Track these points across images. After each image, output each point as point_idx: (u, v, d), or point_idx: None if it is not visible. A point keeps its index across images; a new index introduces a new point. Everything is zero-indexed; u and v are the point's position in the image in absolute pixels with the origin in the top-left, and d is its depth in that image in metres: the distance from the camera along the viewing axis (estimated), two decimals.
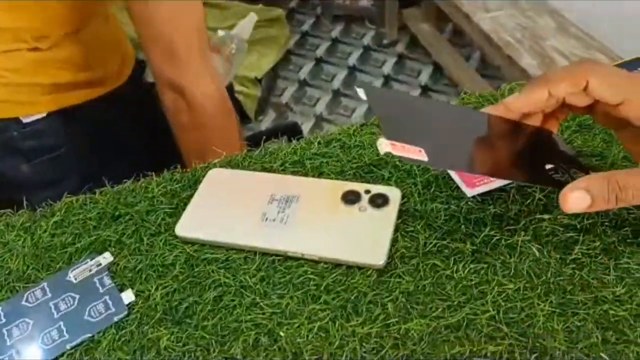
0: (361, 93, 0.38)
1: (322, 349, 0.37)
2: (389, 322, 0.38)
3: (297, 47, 2.34)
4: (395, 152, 0.34)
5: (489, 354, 0.36)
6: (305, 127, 1.99)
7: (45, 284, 0.42)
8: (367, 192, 0.45)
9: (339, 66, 2.29)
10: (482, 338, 0.36)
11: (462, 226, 0.43)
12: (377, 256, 0.41)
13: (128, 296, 0.40)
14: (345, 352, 0.36)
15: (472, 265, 0.40)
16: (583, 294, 0.38)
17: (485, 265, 0.40)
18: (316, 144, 0.51)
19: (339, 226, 0.43)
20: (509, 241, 0.41)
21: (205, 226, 0.44)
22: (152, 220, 0.46)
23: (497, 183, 0.45)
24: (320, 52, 2.33)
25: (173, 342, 0.38)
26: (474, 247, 0.41)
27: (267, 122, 2.02)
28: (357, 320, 0.38)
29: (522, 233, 0.42)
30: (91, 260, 0.43)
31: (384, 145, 0.34)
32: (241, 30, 0.99)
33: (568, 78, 0.37)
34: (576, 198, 0.35)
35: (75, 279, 0.42)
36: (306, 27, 2.44)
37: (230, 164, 0.50)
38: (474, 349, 0.36)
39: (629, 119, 0.37)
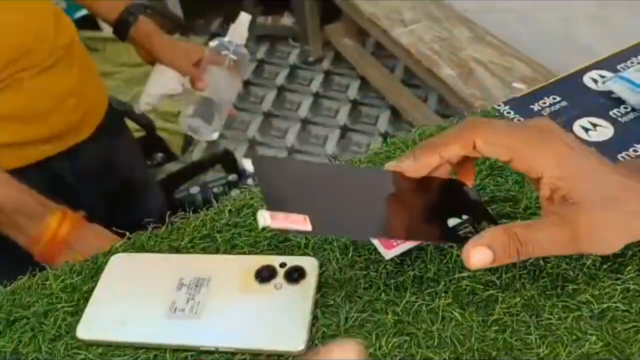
0: (248, 165, 0.36)
1: None
2: None
3: None
4: (274, 225, 0.32)
5: None
6: (239, 153, 1.96)
7: None
8: (283, 265, 0.43)
9: (268, 87, 2.27)
10: None
11: (383, 294, 0.41)
12: (296, 342, 0.38)
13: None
14: None
15: (394, 339, 0.38)
16: (508, 358, 0.37)
17: (408, 338, 0.38)
18: (227, 212, 0.48)
19: (255, 310, 0.40)
20: (430, 306, 0.40)
21: (109, 325, 0.41)
22: (50, 323, 0.42)
23: (415, 242, 0.44)
24: (246, 74, 2.30)
25: None
26: (396, 318, 0.40)
27: (197, 153, 1.97)
28: None
29: (443, 295, 0.40)
30: None
31: (263, 219, 0.32)
32: (235, 34, 0.86)
33: (456, 141, 0.38)
34: (478, 254, 0.35)
35: None
36: None
37: (134, 246, 0.47)
38: None
39: (523, 172, 0.37)
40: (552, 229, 0.35)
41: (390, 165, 0.40)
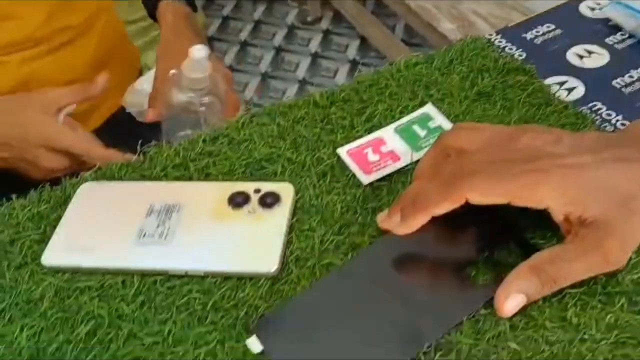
0: (255, 345, 0.33)
1: None
2: None
3: (219, 33, 2.26)
4: None
5: None
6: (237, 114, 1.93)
7: None
8: (257, 191, 0.41)
9: (265, 48, 2.23)
10: None
11: (359, 217, 0.39)
12: (268, 263, 0.37)
13: None
14: None
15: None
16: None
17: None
18: (200, 142, 0.46)
19: (226, 234, 0.39)
20: None
21: (75, 251, 0.39)
22: (16, 251, 0.40)
23: (395, 166, 0.42)
24: (244, 35, 2.25)
25: None
26: (371, 239, 0.38)
27: None
28: (248, 337, 0.34)
29: None
30: None
31: None
32: (192, 80, 0.59)
33: (448, 200, 0.34)
34: (512, 302, 0.32)
35: None
36: (227, 11, 2.36)
37: (105, 175, 0.45)
38: None
39: None
40: (581, 259, 0.32)
41: (383, 222, 0.38)
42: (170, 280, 0.38)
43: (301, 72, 2.13)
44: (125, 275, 0.38)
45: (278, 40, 2.26)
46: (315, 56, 2.18)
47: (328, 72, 2.12)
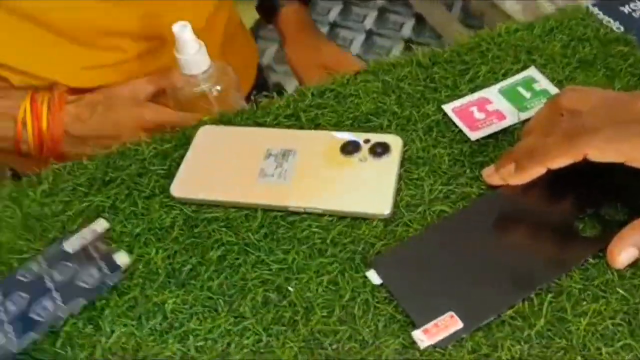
0: (374, 277, 0.36)
1: (333, 302, 0.36)
2: None
3: None
4: (431, 341, 0.33)
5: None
6: (290, 88, 1.96)
7: (39, 256, 0.40)
8: (367, 141, 0.43)
9: (320, 23, 2.24)
10: None
11: (467, 170, 0.42)
12: (382, 205, 0.39)
13: (122, 259, 0.39)
14: (358, 304, 0.36)
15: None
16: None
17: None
18: (309, 95, 0.49)
19: (340, 178, 0.42)
20: None
21: (201, 185, 0.43)
22: (145, 183, 0.44)
23: (500, 125, 0.44)
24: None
25: (179, 304, 0.37)
26: (481, 190, 0.40)
27: None
28: (367, 271, 0.37)
29: None
30: (86, 228, 0.41)
31: (419, 341, 0.33)
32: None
33: (567, 155, 0.36)
34: (625, 255, 0.35)
35: (70, 249, 0.40)
36: None
37: (222, 120, 0.48)
38: None
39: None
40: None
41: (490, 176, 0.40)
42: (290, 216, 0.41)
43: (355, 49, 2.13)
44: (247, 210, 0.41)
45: (333, 16, 2.27)
46: (369, 33, 2.18)
47: (382, 50, 2.12)
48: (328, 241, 0.39)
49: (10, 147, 0.56)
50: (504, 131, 0.44)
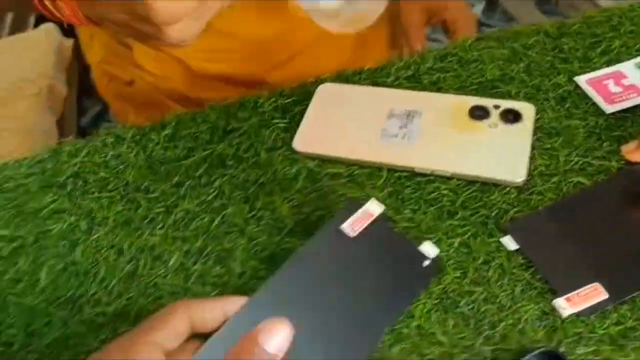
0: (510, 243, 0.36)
1: (466, 263, 0.35)
2: None
3: None
4: (574, 309, 0.32)
5: None
6: None
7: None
8: (497, 107, 0.42)
9: None
10: None
11: (605, 143, 0.40)
12: (515, 172, 0.38)
13: (430, 250, 0.35)
14: (492, 268, 0.35)
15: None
16: None
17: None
18: (431, 58, 0.48)
19: (469, 142, 0.41)
20: None
21: (323, 141, 0.43)
22: (266, 135, 0.44)
23: (638, 100, 0.42)
24: None
25: None
26: (620, 165, 0.39)
27: None
28: (501, 236, 0.36)
29: None
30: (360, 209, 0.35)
31: (561, 309, 0.32)
32: None
33: None
34: None
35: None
36: None
37: (340, 78, 0.48)
38: None
39: None
40: None
41: (631, 152, 0.38)
42: (416, 177, 0.40)
43: None
44: (370, 168, 0.41)
45: None
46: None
47: None
48: (458, 204, 0.38)
49: None
50: None
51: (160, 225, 0.40)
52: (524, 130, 0.41)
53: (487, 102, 0.43)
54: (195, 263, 0.38)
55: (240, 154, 0.44)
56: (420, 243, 0.35)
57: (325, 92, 0.46)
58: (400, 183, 0.40)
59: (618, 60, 0.45)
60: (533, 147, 0.40)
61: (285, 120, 0.45)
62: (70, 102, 1.13)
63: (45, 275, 0.38)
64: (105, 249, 0.39)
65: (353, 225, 0.35)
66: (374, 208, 0.36)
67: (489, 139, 0.41)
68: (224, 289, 0.36)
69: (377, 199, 0.37)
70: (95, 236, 0.40)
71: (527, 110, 0.42)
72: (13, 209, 0.42)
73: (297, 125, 0.44)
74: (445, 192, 0.39)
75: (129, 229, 0.40)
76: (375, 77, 0.47)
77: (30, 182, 0.44)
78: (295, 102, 0.46)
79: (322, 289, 0.33)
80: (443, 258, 0.36)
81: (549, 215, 0.36)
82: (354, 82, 0.47)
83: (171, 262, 0.38)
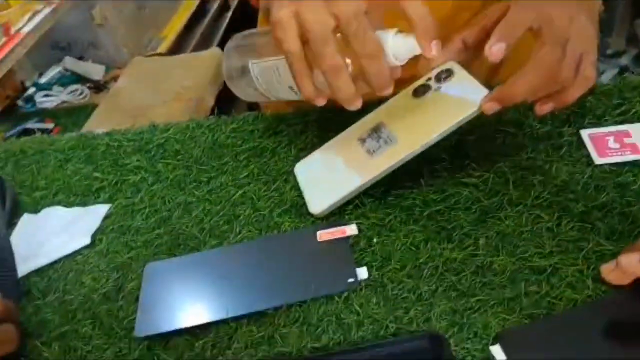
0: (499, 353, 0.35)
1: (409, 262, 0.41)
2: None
3: None
4: None
5: (564, 299, 0.36)
6: None
7: None
8: (429, 78, 0.47)
9: None
10: (563, 285, 0.37)
11: (579, 187, 0.43)
12: (480, 96, 0.42)
13: (362, 275, 0.41)
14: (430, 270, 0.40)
15: (577, 224, 0.40)
16: None
17: (590, 226, 0.40)
18: None
19: (434, 107, 0.45)
20: (623, 210, 0.41)
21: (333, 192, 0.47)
22: (301, 136, 0.54)
23: (633, 157, 0.44)
24: None
25: None
26: (585, 209, 0.41)
27: None
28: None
29: (634, 203, 0.40)
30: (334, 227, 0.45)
31: None
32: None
33: None
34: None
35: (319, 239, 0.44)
36: None
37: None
38: (552, 293, 0.37)
39: None
40: None
41: (610, 272, 0.37)
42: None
43: None
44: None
45: None
46: (623, 70, 2.06)
47: None
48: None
49: None
50: (633, 163, 0.44)
51: (199, 189, 0.52)
52: (462, 75, 0.44)
53: (420, 81, 0.47)
54: (210, 220, 0.48)
55: (278, 149, 0.54)
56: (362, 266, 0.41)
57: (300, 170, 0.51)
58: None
59: (632, 122, 0.47)
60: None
61: (315, 132, 0.54)
62: (213, 111, 1.35)
63: (113, 209, 0.52)
64: (157, 198, 0.52)
65: (324, 234, 0.44)
66: (350, 229, 0.44)
67: (442, 96, 0.45)
68: (222, 241, 0.46)
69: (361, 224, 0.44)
70: (153, 188, 0.53)
71: (451, 65, 0.45)
72: (112, 161, 0.57)
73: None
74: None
75: (177, 188, 0.52)
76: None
77: (129, 146, 0.59)
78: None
79: (268, 263, 0.44)
80: (363, 284, 0.40)
81: (539, 331, 0.36)
82: None
83: (193, 214, 0.49)
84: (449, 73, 0.45)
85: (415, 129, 0.45)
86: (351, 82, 0.40)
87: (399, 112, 0.47)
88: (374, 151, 0.47)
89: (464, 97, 0.43)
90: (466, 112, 0.42)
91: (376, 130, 0.48)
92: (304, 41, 0.40)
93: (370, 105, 0.47)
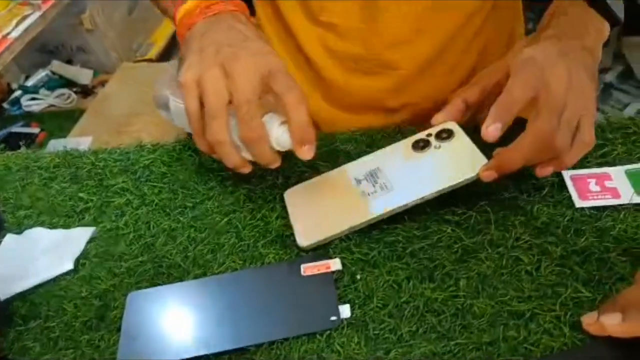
0: None
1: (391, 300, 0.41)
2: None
3: None
4: None
5: (541, 346, 0.37)
6: None
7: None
8: (429, 135, 0.49)
9: None
10: (541, 331, 0.38)
11: (559, 230, 0.44)
12: (477, 166, 0.45)
13: (345, 313, 0.41)
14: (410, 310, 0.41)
15: (557, 268, 0.41)
16: None
17: (569, 271, 0.41)
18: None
19: (431, 164, 0.47)
20: (602, 256, 0.41)
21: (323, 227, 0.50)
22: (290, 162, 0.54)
23: (612, 201, 0.45)
24: None
25: None
26: (564, 253, 0.42)
27: None
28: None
29: (612, 249, 0.41)
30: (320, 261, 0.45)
31: None
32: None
33: None
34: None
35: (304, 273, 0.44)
36: None
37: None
38: (530, 339, 0.38)
39: None
40: None
41: (590, 324, 0.37)
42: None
43: None
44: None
45: None
46: (608, 86, 2.09)
47: (618, 103, 2.02)
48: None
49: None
50: (613, 207, 0.45)
51: (184, 215, 0.52)
52: (462, 139, 0.47)
53: (421, 135, 0.49)
54: (194, 248, 0.49)
55: (264, 174, 0.54)
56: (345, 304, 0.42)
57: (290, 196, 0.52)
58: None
59: (613, 164, 0.48)
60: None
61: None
62: None
63: (97, 232, 0.52)
64: (141, 222, 0.52)
65: (308, 268, 0.44)
66: (334, 263, 0.44)
67: (441, 155, 0.47)
68: (205, 271, 0.46)
69: (345, 259, 0.45)
70: (138, 212, 0.53)
71: (452, 125, 0.48)
72: (97, 181, 0.57)
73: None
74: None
75: (162, 212, 0.52)
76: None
77: (115, 166, 0.58)
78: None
79: (251, 296, 0.44)
80: (345, 322, 0.41)
81: None
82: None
83: (177, 241, 0.49)
84: (449, 133, 0.48)
85: (413, 183, 0.47)
86: (234, 152, 0.45)
87: (397, 162, 0.49)
88: (369, 194, 0.48)
89: (462, 162, 0.46)
90: (464, 176, 0.45)
91: (373, 174, 0.49)
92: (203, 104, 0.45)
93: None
